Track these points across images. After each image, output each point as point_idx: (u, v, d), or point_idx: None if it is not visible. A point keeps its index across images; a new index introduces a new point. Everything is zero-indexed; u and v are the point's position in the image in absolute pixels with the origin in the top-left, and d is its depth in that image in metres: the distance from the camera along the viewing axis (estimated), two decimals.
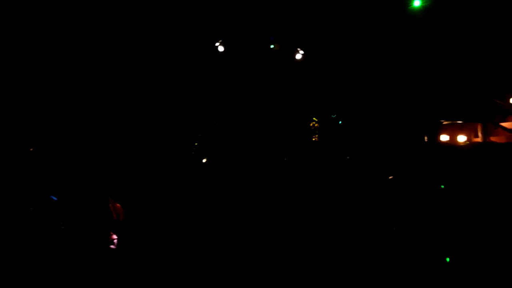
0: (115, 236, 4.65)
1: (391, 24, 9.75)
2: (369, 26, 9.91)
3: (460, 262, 4.13)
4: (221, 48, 10.06)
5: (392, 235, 4.73)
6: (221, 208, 6.50)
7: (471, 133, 9.11)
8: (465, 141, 8.87)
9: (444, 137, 9.26)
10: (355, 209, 5.75)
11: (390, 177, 7.14)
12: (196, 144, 9.72)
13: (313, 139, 10.80)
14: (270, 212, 6.13)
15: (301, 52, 10.31)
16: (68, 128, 7.56)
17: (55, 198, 4.48)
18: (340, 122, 10.52)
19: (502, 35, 8.80)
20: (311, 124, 10.78)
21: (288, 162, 9.70)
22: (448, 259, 4.09)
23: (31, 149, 6.50)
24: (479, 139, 8.89)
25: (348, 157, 9.48)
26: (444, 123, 9.37)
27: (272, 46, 10.29)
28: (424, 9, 9.33)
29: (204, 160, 9.70)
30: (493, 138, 8.69)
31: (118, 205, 4.89)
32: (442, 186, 5.35)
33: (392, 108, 10.07)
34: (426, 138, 9.38)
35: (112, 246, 4.58)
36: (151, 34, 9.02)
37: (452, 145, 9.14)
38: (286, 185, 7.34)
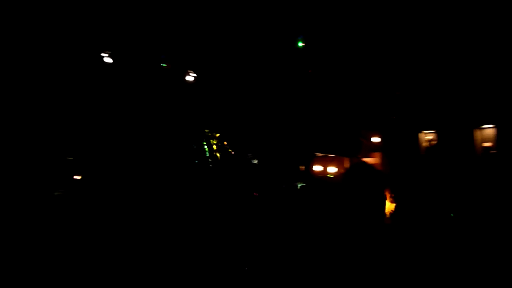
0: None
1: (279, 60, 10.53)
2: (260, 59, 10.54)
3: None
4: (108, 60, 9.51)
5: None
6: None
7: (339, 165, 10.18)
8: (335, 172, 9.88)
9: (318, 168, 10.19)
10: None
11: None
12: (71, 159, 8.88)
13: (198, 159, 10.79)
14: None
15: (193, 74, 10.37)
16: None
17: None
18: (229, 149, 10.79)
19: (371, 80, 10.14)
20: (198, 146, 10.80)
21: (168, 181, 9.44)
22: None
23: None
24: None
25: (232, 181, 9.72)
26: (318, 155, 10.34)
27: (164, 65, 10.13)
28: (302, 50, 10.24)
29: (79, 177, 8.89)
30: None
31: None
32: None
33: (275, 138, 10.78)
34: (303, 167, 10.22)
35: None
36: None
37: (323, 174, 10.12)
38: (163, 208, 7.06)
